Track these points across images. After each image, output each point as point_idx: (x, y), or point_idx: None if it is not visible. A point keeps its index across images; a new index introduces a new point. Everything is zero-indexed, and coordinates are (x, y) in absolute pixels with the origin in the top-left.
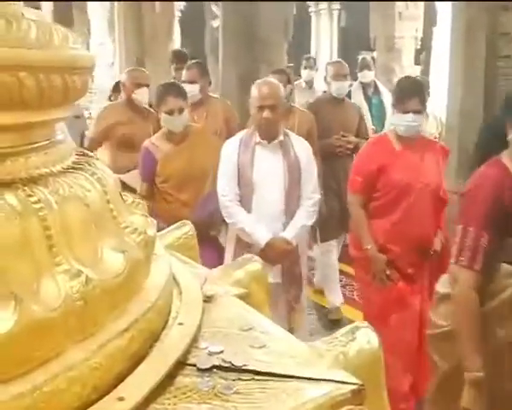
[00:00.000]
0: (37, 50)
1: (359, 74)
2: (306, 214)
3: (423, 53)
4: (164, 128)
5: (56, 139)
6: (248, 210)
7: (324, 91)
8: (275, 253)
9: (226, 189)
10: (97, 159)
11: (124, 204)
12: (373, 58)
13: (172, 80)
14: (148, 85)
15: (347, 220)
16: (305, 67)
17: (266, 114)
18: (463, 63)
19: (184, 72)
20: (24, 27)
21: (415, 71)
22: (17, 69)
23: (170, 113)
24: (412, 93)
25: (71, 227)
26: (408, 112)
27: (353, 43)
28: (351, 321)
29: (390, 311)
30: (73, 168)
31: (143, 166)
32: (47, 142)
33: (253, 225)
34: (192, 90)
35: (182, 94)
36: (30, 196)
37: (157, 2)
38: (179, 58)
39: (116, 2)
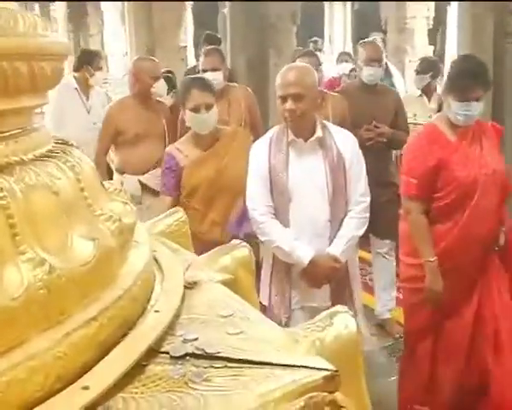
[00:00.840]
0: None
1: None
2: (356, 223)
3: (439, 32)
4: (191, 131)
5: (31, 127)
6: (285, 224)
7: (351, 72)
8: (321, 272)
9: (256, 200)
10: (77, 147)
11: (104, 192)
12: (383, 40)
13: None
14: (161, 77)
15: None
16: (314, 50)
17: (289, 104)
18: (471, 40)
19: (203, 59)
20: None
21: (428, 51)
22: None
23: (195, 110)
24: (475, 78)
25: (37, 216)
26: (468, 100)
27: (367, 25)
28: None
29: (445, 315)
30: (46, 156)
31: (166, 176)
32: (19, 130)
33: (292, 241)
34: (216, 78)
35: (208, 87)
36: None
37: None
38: (212, 42)
39: None
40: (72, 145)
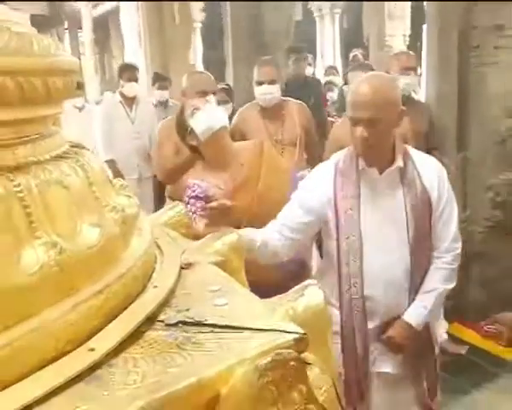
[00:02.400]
0: (16, 57)
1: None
2: (446, 274)
3: (417, 49)
4: (204, 161)
5: (47, 133)
6: (358, 273)
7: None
8: (393, 341)
9: (286, 218)
10: (88, 150)
11: (111, 187)
12: (363, 54)
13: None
14: (215, 92)
15: None
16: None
17: (361, 132)
18: (438, 53)
19: (257, 69)
20: (5, 38)
21: None
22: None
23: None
24: None
25: (50, 206)
26: None
27: (353, 42)
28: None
29: None
30: (60, 157)
31: (193, 206)
32: (36, 135)
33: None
34: (273, 91)
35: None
36: (12, 181)
37: (176, 15)
38: (298, 52)
39: (141, 19)
40: (83, 148)
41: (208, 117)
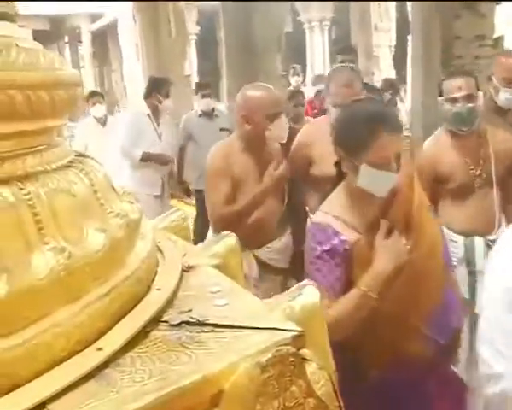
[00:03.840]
0: (25, 72)
1: None
2: None
3: (407, 58)
4: (345, 186)
5: (54, 143)
6: None
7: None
8: None
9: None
10: (93, 159)
11: (115, 194)
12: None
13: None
14: (281, 112)
15: None
16: (293, 75)
17: None
18: (422, 64)
19: (340, 83)
20: (13, 54)
21: (391, 73)
22: (8, 88)
23: (379, 164)
24: None
25: (58, 213)
26: None
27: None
28: None
29: None
30: (66, 166)
31: (326, 262)
32: (44, 146)
33: None
34: None
35: (399, 128)
36: (22, 189)
37: (172, 29)
38: (341, 52)
39: (138, 33)
40: (88, 157)
41: (383, 183)
